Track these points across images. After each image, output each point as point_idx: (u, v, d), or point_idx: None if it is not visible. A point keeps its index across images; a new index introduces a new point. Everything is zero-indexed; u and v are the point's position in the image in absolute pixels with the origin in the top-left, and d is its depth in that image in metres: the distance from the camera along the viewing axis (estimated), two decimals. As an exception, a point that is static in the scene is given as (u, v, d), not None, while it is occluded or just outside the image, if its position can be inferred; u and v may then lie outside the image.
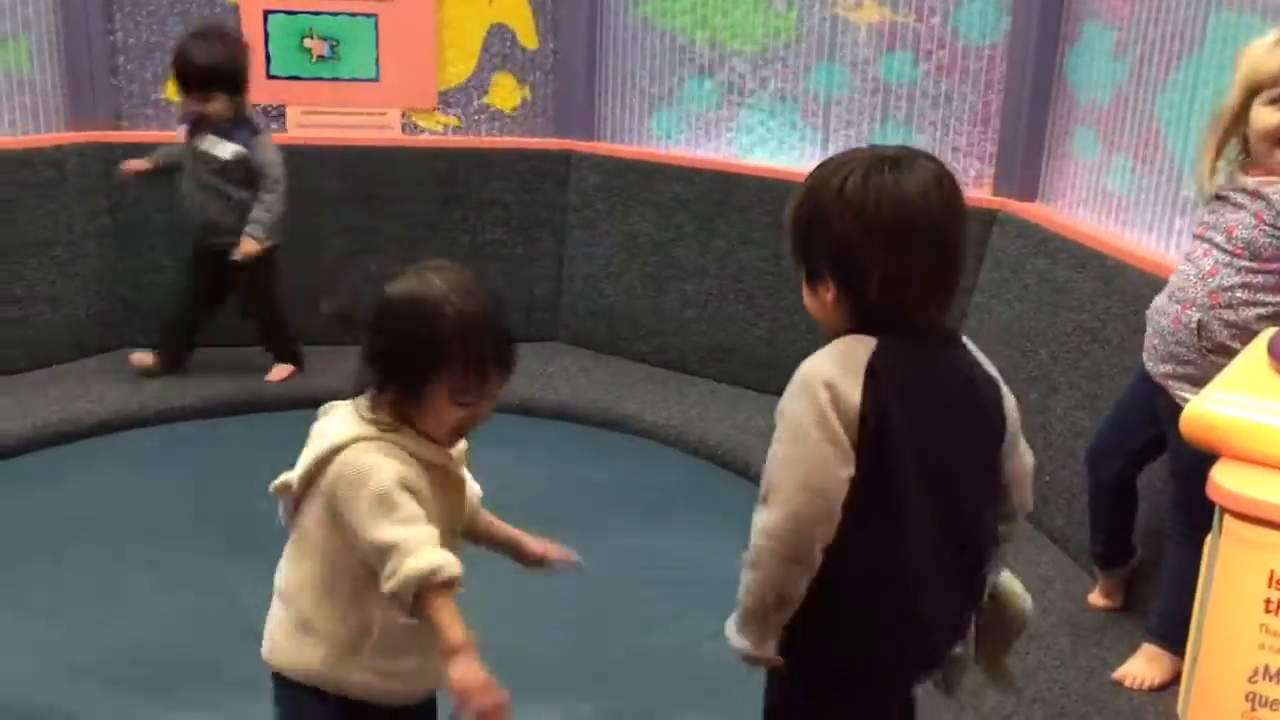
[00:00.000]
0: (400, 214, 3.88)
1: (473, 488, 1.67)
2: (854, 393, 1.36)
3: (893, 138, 3.47)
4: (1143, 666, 2.19)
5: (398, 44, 3.85)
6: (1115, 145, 2.86)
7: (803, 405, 1.38)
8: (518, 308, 3.98)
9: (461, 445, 1.61)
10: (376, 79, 3.88)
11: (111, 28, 3.70)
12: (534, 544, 1.74)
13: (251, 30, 3.76)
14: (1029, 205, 3.20)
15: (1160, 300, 2.17)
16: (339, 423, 1.52)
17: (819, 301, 1.48)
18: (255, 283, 3.45)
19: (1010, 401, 1.51)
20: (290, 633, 1.53)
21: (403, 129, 3.95)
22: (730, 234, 3.65)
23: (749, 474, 3.14)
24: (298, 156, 3.80)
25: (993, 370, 1.50)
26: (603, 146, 3.93)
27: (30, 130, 3.62)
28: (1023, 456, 1.54)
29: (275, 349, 3.57)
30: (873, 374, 1.37)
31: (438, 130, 3.97)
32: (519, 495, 2.97)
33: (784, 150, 3.67)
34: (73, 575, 2.57)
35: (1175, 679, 2.14)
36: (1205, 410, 1.41)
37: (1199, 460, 1.42)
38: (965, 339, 1.51)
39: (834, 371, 1.38)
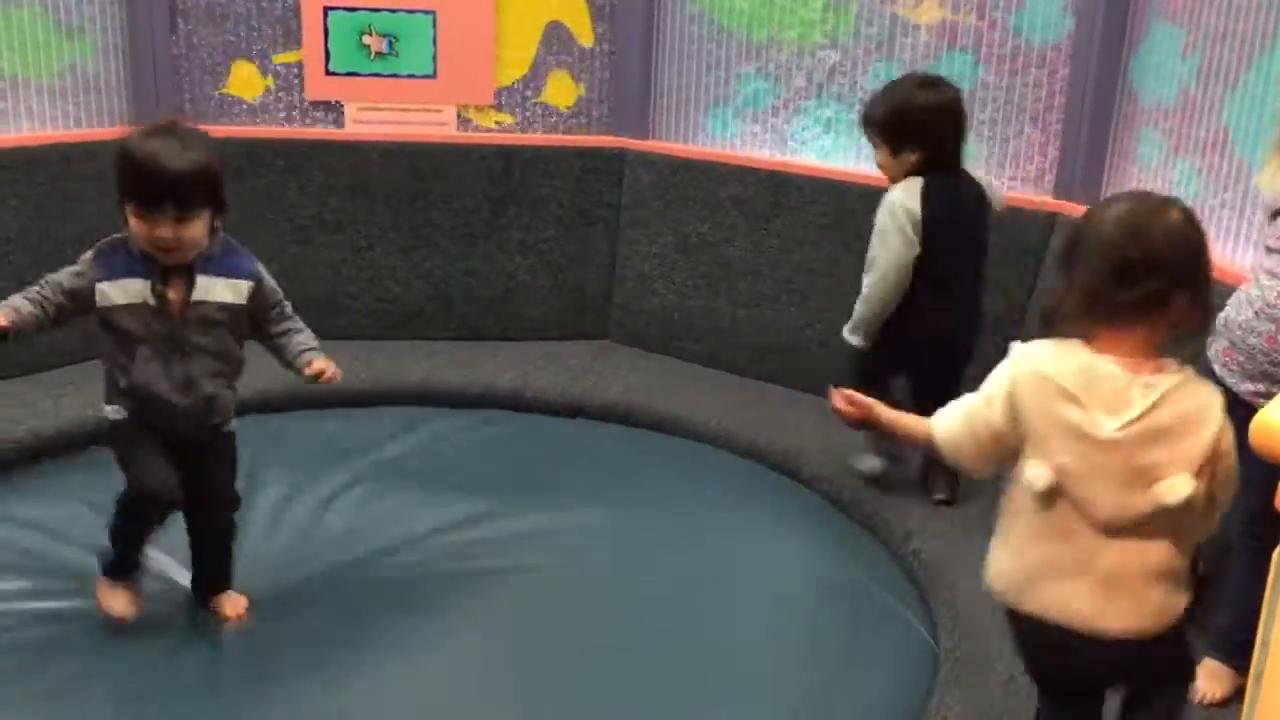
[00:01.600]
0: (454, 210, 3.90)
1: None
2: (916, 207, 2.71)
3: (951, 139, 3.43)
4: (1204, 682, 2.14)
5: (456, 41, 3.86)
6: (1180, 148, 2.81)
7: (886, 216, 2.74)
8: (569, 306, 3.99)
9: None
10: (434, 76, 3.90)
11: (175, 24, 3.75)
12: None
13: (311, 27, 3.80)
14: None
15: (1244, 316, 2.08)
16: None
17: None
18: None
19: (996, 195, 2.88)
20: None
21: (458, 126, 3.96)
22: (785, 234, 3.63)
23: (800, 476, 3.13)
24: (354, 153, 3.85)
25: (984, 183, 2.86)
26: (657, 145, 3.92)
27: (95, 124, 3.68)
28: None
29: None
30: (926, 196, 2.71)
31: (493, 127, 3.98)
32: (564, 492, 2.99)
33: (840, 151, 3.63)
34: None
35: (1237, 696, 2.09)
36: (1274, 420, 1.37)
37: (1269, 471, 1.38)
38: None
39: (904, 195, 2.74)
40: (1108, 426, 1.60)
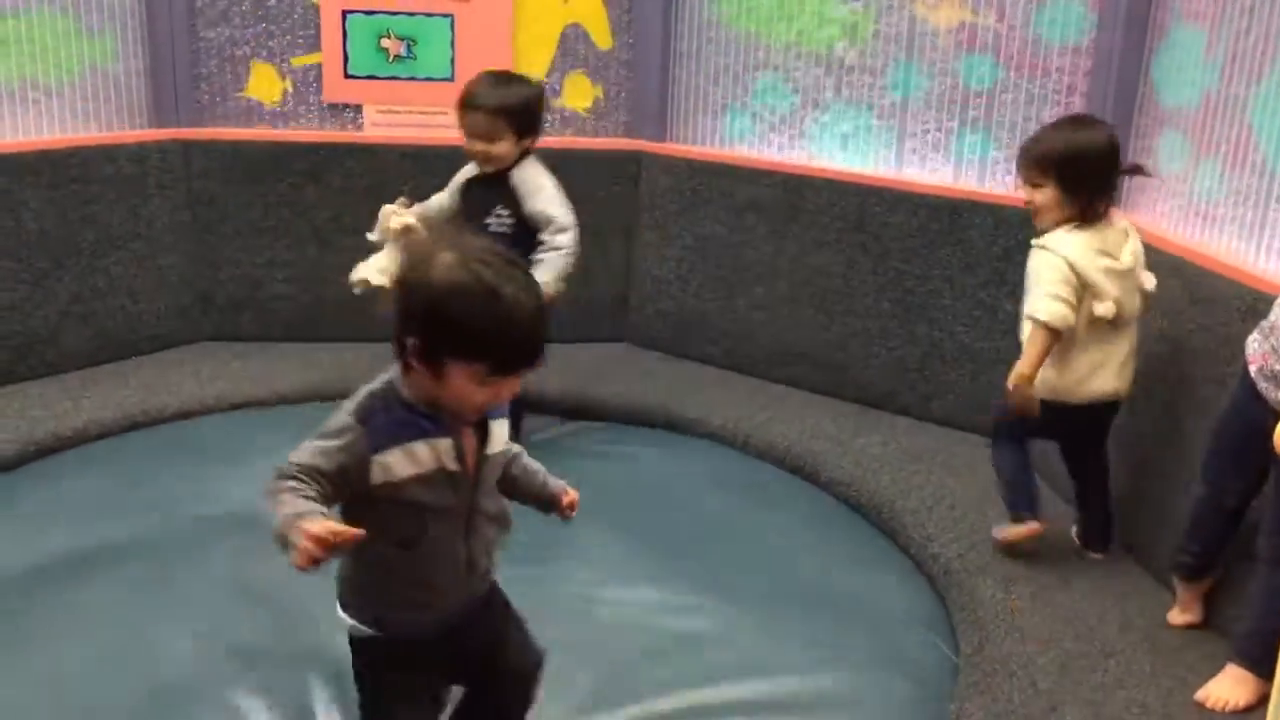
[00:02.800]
0: (472, 213, 3.90)
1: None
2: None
3: (970, 141, 3.42)
4: (1228, 688, 2.12)
5: (474, 44, 3.86)
6: (1204, 150, 2.78)
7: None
8: (586, 308, 3.99)
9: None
10: (452, 79, 3.90)
11: (194, 27, 3.76)
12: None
13: (330, 30, 3.81)
14: (1111, 211, 3.12)
15: None
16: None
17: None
18: None
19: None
20: None
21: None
22: (803, 237, 3.61)
23: (819, 480, 3.11)
24: (372, 155, 3.85)
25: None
26: (675, 148, 3.92)
27: (114, 127, 3.70)
28: None
29: None
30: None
31: (511, 130, 3.97)
32: (584, 496, 2.97)
33: (858, 153, 3.62)
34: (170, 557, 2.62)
35: (1261, 702, 2.07)
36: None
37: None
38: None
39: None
40: (1125, 260, 2.49)
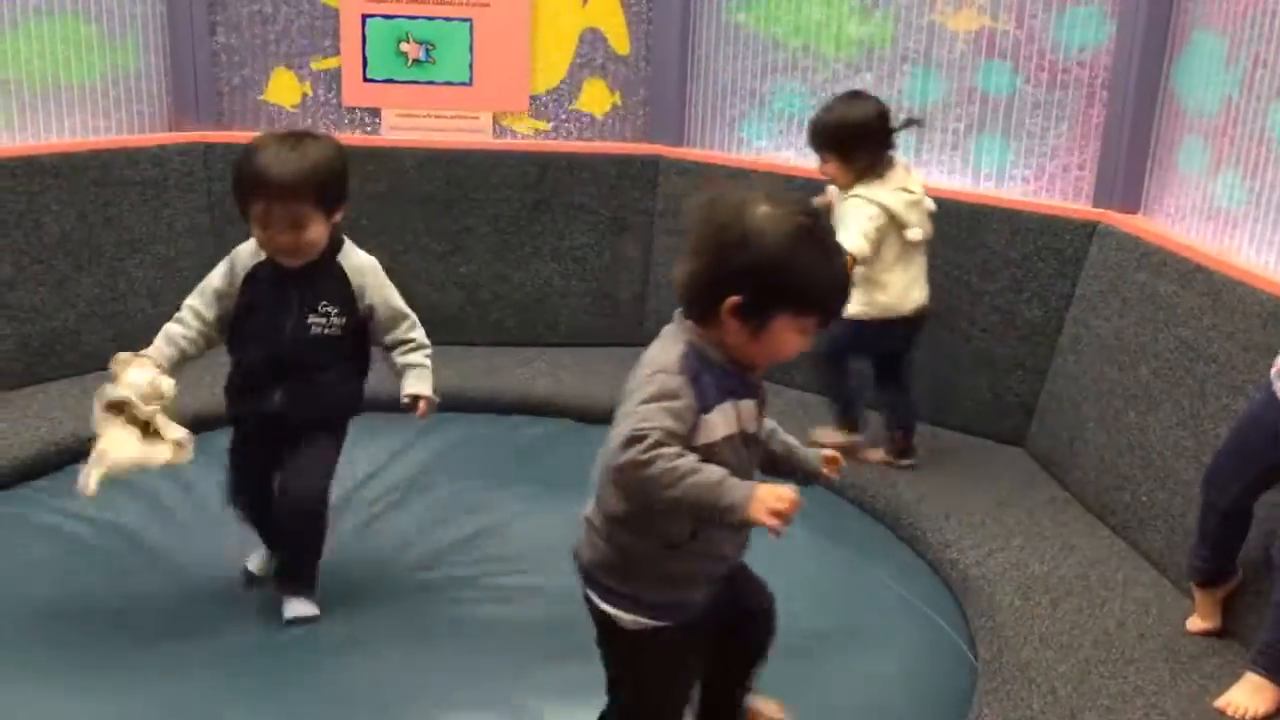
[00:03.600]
0: (489, 216, 3.91)
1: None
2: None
3: (988, 147, 3.41)
4: (1246, 696, 2.12)
5: (492, 48, 3.88)
6: (1225, 156, 2.78)
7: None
8: (603, 312, 4.00)
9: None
10: (469, 83, 3.92)
11: (214, 31, 3.78)
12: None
13: (350, 34, 3.83)
14: (1131, 217, 3.12)
15: None
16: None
17: None
18: None
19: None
20: None
21: (494, 132, 3.98)
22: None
23: (835, 485, 3.09)
24: (390, 159, 3.87)
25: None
26: (692, 152, 3.92)
27: (135, 130, 3.72)
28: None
29: None
30: None
31: (528, 134, 3.99)
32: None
33: (876, 158, 3.61)
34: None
35: (1281, 711, 2.07)
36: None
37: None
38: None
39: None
40: (917, 191, 2.97)
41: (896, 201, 2.92)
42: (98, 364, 3.52)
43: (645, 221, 3.97)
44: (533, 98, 3.96)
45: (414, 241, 3.91)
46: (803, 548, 2.80)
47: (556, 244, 3.95)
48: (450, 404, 3.50)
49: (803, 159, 3.73)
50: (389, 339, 2.41)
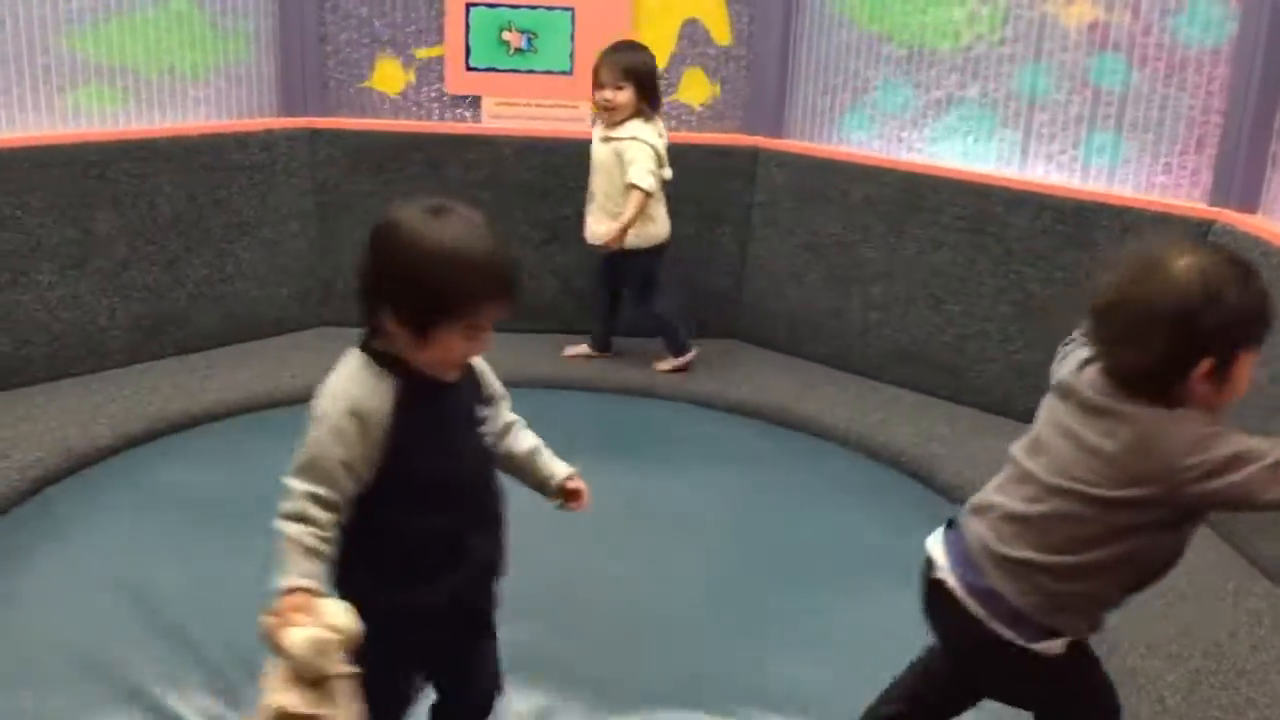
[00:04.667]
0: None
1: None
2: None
3: (1100, 143, 3.34)
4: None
5: (593, 38, 3.88)
6: (1352, 155, 2.68)
7: None
8: (697, 303, 3.99)
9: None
10: (570, 72, 3.93)
11: (323, 21, 3.85)
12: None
13: (454, 23, 3.86)
14: (1249, 216, 3.03)
15: None
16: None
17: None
18: None
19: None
20: None
21: (593, 122, 3.99)
22: (921, 237, 3.57)
23: (934, 484, 3.07)
24: (490, 147, 3.90)
25: None
26: (791, 145, 3.89)
27: (246, 115, 3.81)
28: None
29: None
30: None
31: (627, 124, 3.99)
32: (703, 492, 2.98)
33: (981, 154, 3.56)
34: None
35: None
36: None
37: None
38: None
39: None
40: (666, 137, 3.59)
41: (660, 144, 3.51)
42: (204, 344, 3.65)
43: (742, 213, 3.95)
44: (632, 88, 3.96)
45: (511, 229, 3.93)
46: (896, 546, 2.78)
47: (653, 234, 3.95)
48: (550, 385, 3.59)
49: (908, 153, 3.70)
50: (500, 424, 1.78)
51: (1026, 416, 3.35)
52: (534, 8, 3.88)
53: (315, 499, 1.50)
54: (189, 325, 3.63)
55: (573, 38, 3.90)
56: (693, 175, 3.92)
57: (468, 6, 3.86)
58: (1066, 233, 3.28)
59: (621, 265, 3.62)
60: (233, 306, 3.72)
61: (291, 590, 1.45)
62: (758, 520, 2.89)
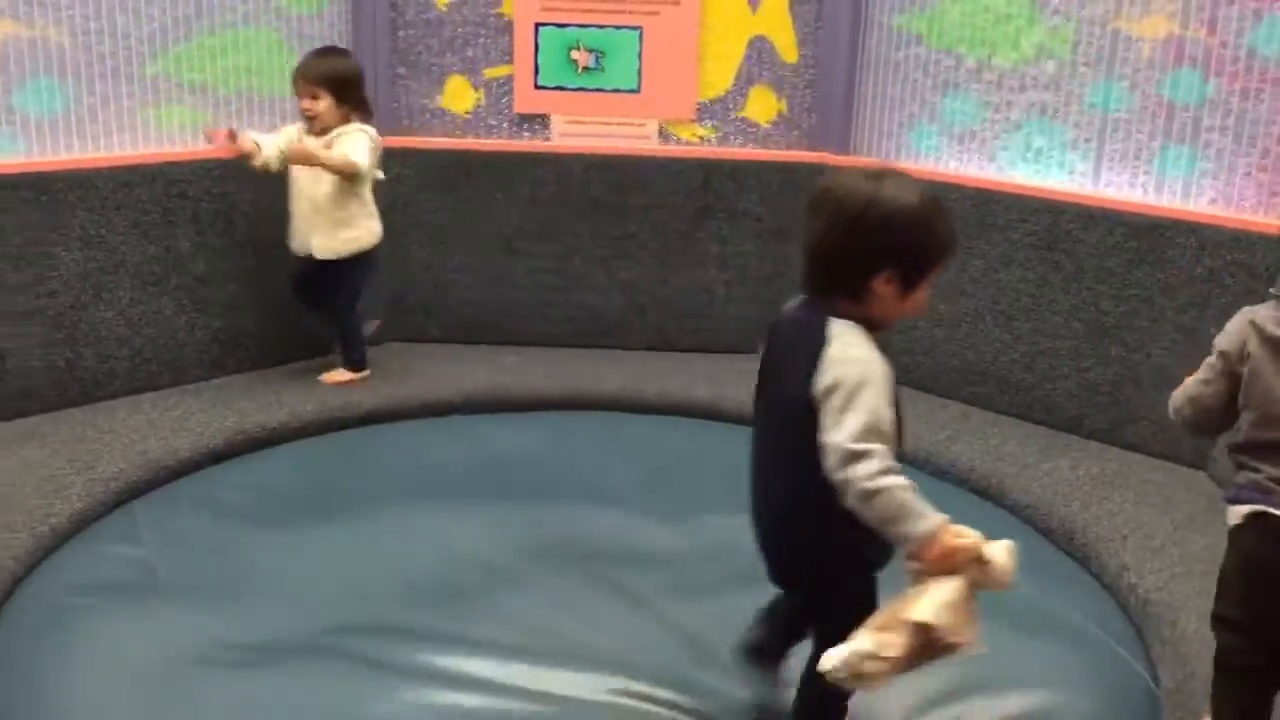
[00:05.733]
0: (653, 222, 3.95)
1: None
2: None
3: (1175, 158, 3.30)
4: None
5: (660, 56, 3.92)
6: None
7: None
8: (762, 319, 3.99)
9: None
10: (637, 90, 3.96)
11: (395, 40, 3.92)
12: None
13: (523, 42, 3.92)
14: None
15: None
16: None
17: None
18: None
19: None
20: None
21: (659, 139, 4.02)
22: (990, 254, 3.54)
23: (1003, 502, 3.05)
24: (558, 164, 3.94)
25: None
26: (858, 161, 3.89)
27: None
28: None
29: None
30: None
31: (693, 141, 4.02)
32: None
33: (1052, 170, 3.53)
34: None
35: None
36: None
37: None
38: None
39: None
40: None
41: (380, 144, 3.44)
42: (277, 359, 3.71)
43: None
44: (699, 105, 3.99)
45: (579, 246, 3.97)
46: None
47: (719, 251, 3.96)
48: (611, 407, 3.61)
49: (975, 170, 3.68)
50: None
51: (1097, 434, 3.36)
52: (602, 27, 3.92)
53: (887, 455, 1.66)
54: (264, 340, 3.70)
55: (640, 56, 3.93)
56: (758, 192, 3.94)
57: (537, 26, 3.91)
58: (1140, 250, 3.25)
59: (330, 275, 3.49)
60: (305, 322, 3.79)
61: (937, 529, 1.64)
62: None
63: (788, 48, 3.94)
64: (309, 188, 3.42)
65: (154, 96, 3.50)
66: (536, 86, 3.97)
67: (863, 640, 1.62)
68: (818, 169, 3.92)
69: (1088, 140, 3.45)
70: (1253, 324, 1.93)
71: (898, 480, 1.64)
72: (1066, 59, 3.45)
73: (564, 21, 3.91)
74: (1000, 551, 1.64)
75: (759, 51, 3.95)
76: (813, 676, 1.80)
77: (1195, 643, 2.33)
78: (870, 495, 1.63)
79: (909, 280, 1.75)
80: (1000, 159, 3.64)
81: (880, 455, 1.64)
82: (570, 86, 3.97)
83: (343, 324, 3.61)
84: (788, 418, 1.75)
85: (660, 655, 2.34)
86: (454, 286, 4.00)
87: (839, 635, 1.67)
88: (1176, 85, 3.26)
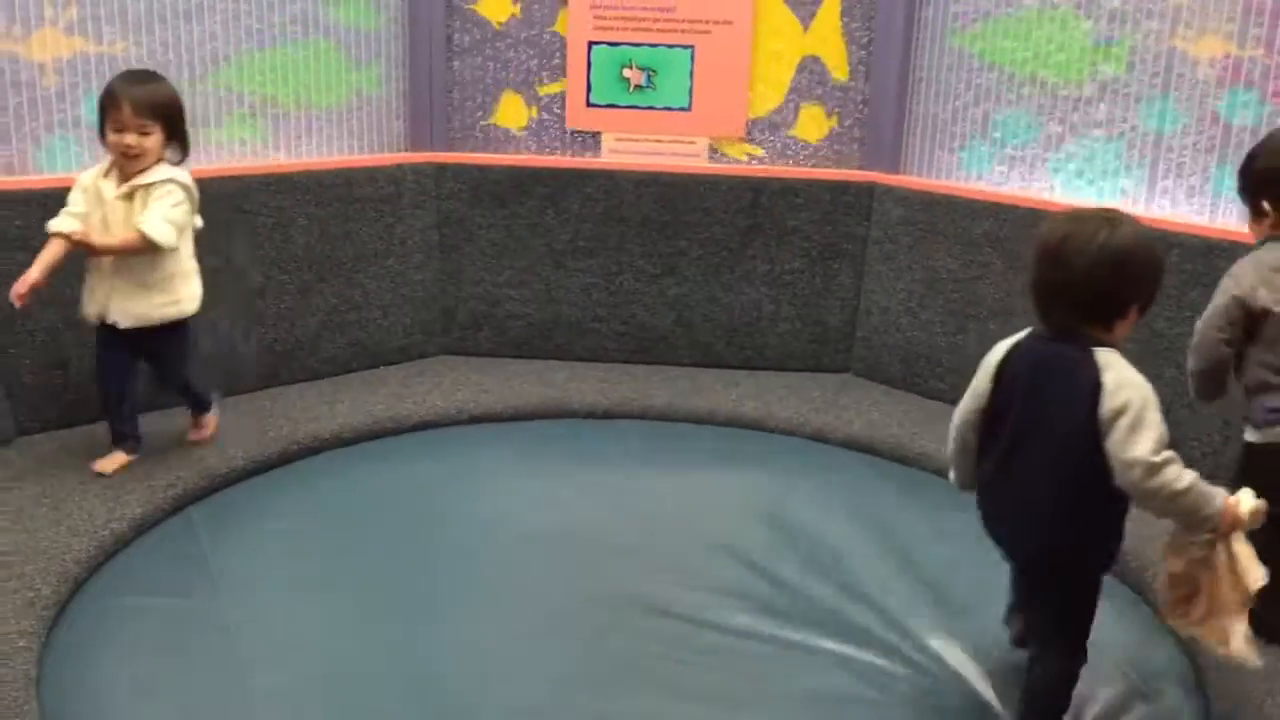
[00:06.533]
0: (702, 240, 3.97)
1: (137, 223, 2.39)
2: None
3: (1229, 181, 3.26)
4: None
5: (712, 75, 3.95)
6: None
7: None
8: (812, 338, 4.00)
9: None
10: (688, 108, 3.99)
11: (451, 57, 3.98)
12: None
13: (576, 60, 3.96)
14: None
15: None
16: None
17: None
18: None
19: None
20: None
21: (709, 157, 4.04)
22: (1041, 273, 3.52)
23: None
24: (609, 181, 3.98)
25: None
26: (909, 180, 3.89)
27: (375, 150, 3.95)
28: None
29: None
30: None
31: (743, 159, 4.04)
32: (818, 524, 2.96)
33: (1106, 190, 3.51)
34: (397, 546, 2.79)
35: None
36: None
37: None
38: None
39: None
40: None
41: (194, 186, 2.91)
42: (331, 370, 3.77)
43: (858, 249, 3.95)
44: (749, 123, 4.01)
45: (628, 262, 4.00)
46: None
47: (768, 269, 3.98)
48: (661, 417, 3.63)
49: (1029, 190, 3.67)
50: None
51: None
52: (654, 46, 3.95)
53: (1178, 458, 1.93)
54: (317, 351, 3.76)
55: (691, 75, 3.96)
56: (808, 210, 3.95)
57: (590, 45, 3.95)
58: (1194, 271, 3.21)
59: (138, 350, 2.95)
60: (358, 334, 3.85)
61: (1226, 502, 1.94)
62: (885, 554, 2.88)
63: (839, 66, 3.95)
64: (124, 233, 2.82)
65: (214, 110, 3.57)
66: (589, 104, 4.01)
67: (1237, 625, 2.00)
68: (868, 188, 3.93)
69: (1141, 160, 3.43)
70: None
71: (1192, 475, 1.92)
72: (1121, 77, 3.43)
73: (617, 40, 3.95)
74: (1249, 498, 1.97)
75: (810, 70, 3.96)
76: (1040, 688, 2.16)
77: (1249, 672, 2.30)
78: (1179, 495, 1.91)
79: (1144, 310, 2.04)
80: (1053, 178, 3.62)
81: (1176, 460, 1.92)
82: (622, 104, 4.01)
83: (182, 390, 3.11)
84: (1060, 440, 2.01)
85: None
86: (503, 300, 4.04)
87: (1069, 623, 2.12)
88: (1233, 105, 3.24)
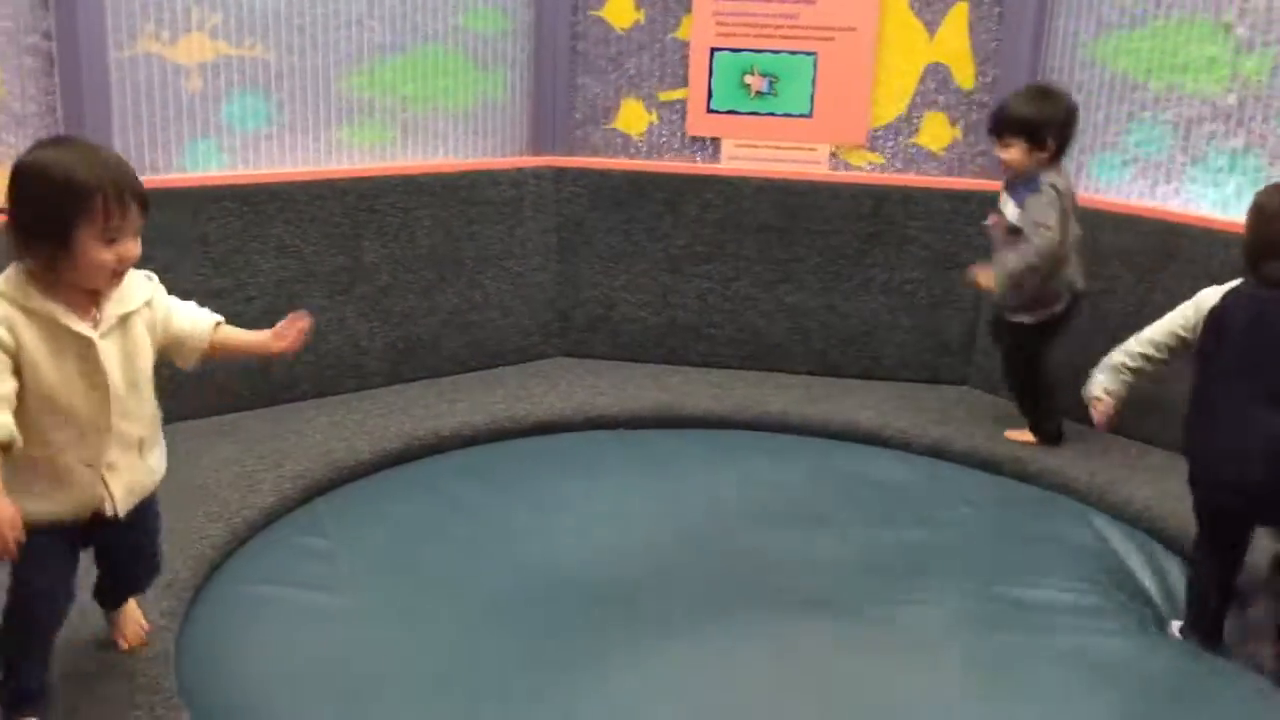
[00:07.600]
0: (821, 247, 3.95)
1: (195, 322, 2.04)
2: None
3: (1379, 194, 3.13)
4: None
5: (834, 82, 3.93)
6: None
7: None
8: (929, 348, 3.95)
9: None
10: (810, 115, 3.98)
11: (575, 63, 4.03)
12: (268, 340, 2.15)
13: (698, 67, 3.98)
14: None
15: None
16: None
17: None
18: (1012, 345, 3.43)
19: None
20: None
21: (830, 164, 4.02)
22: (1174, 289, 3.41)
23: (1175, 545, 2.94)
24: (728, 187, 3.98)
25: None
26: (1035, 190, 3.81)
27: (498, 153, 4.02)
28: None
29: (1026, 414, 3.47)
30: None
31: (864, 167, 4.01)
32: (940, 540, 2.93)
33: (1243, 204, 3.39)
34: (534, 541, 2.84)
35: None
36: None
37: None
38: None
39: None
40: None
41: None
42: (451, 369, 3.85)
43: (978, 258, 3.88)
44: (871, 131, 3.98)
45: (746, 268, 4.00)
46: (1152, 609, 2.68)
47: (886, 277, 3.94)
48: (776, 430, 3.62)
49: (1160, 201, 3.57)
50: None
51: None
52: (777, 52, 3.95)
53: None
54: (439, 350, 3.84)
55: (814, 82, 3.95)
56: (928, 219, 3.90)
57: (712, 51, 3.96)
58: (1339, 288, 3.09)
59: (130, 519, 1.96)
60: (478, 334, 3.91)
61: None
62: (997, 570, 2.83)
63: (965, 74, 3.89)
64: (126, 387, 1.92)
65: (347, 112, 3.68)
66: (709, 110, 4.02)
67: None
68: (990, 197, 3.85)
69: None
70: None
71: None
72: (1264, 83, 3.32)
73: (739, 46, 3.95)
74: None
75: (934, 77, 3.92)
76: None
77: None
78: None
79: None
80: (1187, 191, 3.52)
81: None
82: (743, 110, 4.01)
83: (151, 563, 2.23)
84: None
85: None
86: (620, 304, 4.07)
87: None
88: (1384, 117, 3.11)
